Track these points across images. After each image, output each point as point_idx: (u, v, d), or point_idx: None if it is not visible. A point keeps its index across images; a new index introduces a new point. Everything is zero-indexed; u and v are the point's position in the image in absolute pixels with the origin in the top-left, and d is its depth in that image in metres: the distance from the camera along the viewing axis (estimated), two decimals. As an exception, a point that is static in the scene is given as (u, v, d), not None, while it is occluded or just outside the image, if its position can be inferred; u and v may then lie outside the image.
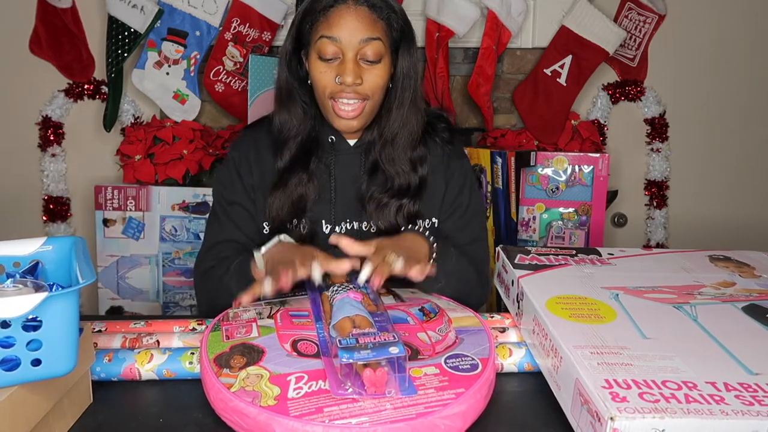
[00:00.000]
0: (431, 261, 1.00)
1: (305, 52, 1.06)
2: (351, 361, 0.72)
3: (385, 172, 1.09)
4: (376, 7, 1.02)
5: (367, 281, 0.90)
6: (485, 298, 1.13)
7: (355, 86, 1.01)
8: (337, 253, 1.09)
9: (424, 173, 1.11)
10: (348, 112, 1.03)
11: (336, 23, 1.00)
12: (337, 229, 1.11)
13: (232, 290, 1.00)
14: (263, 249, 0.98)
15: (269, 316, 0.87)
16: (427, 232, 1.05)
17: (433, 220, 1.13)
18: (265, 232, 1.11)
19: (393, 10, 1.04)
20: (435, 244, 1.03)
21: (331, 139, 1.11)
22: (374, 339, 0.76)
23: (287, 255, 0.93)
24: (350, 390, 0.71)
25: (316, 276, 0.83)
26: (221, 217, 1.12)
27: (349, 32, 1.00)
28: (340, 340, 0.76)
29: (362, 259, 0.91)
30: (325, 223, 1.11)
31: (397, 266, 0.89)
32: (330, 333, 0.81)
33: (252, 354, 0.79)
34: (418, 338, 0.83)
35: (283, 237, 1.00)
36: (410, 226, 1.10)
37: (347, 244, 0.93)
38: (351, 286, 0.91)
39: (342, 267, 0.88)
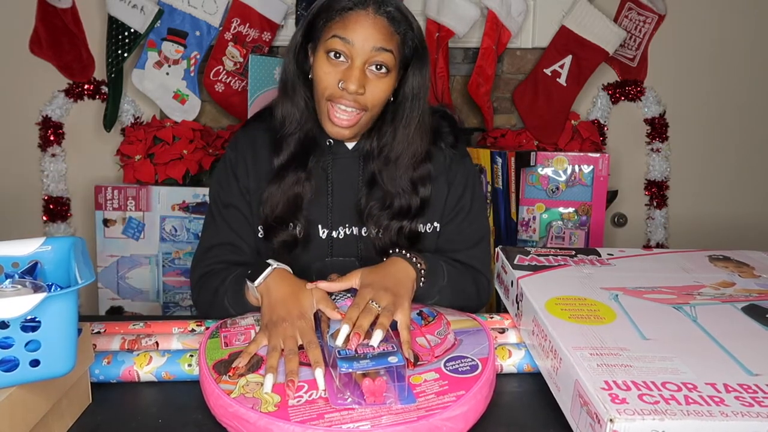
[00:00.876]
0: (420, 283, 0.98)
1: (312, 47, 1.04)
2: (350, 370, 0.72)
3: (384, 190, 1.08)
4: (395, 21, 1.00)
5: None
6: (486, 302, 1.13)
7: (356, 95, 0.99)
8: (335, 263, 1.09)
9: (427, 194, 1.09)
10: (342, 120, 1.01)
11: (352, 26, 0.98)
12: (334, 233, 1.10)
13: (228, 308, 1.00)
14: (258, 280, 0.92)
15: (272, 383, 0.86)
16: (414, 258, 0.99)
17: (435, 224, 1.12)
18: (260, 235, 1.10)
19: (411, 28, 1.02)
20: (422, 268, 0.99)
21: (329, 141, 1.10)
22: (373, 348, 0.76)
23: (283, 318, 0.86)
24: (349, 400, 0.71)
25: (320, 383, 0.75)
26: (217, 219, 1.11)
27: (364, 37, 0.97)
28: (339, 350, 0.76)
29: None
30: (322, 228, 1.09)
31: (378, 334, 0.80)
32: (329, 342, 0.80)
33: (252, 362, 0.79)
34: (417, 343, 0.83)
35: (276, 264, 0.94)
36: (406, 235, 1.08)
37: (328, 286, 0.91)
38: (349, 295, 0.90)
39: (335, 316, 0.86)
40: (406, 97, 1.05)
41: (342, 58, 0.99)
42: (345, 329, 0.80)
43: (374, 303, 0.85)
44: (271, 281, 0.92)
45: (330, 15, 1.00)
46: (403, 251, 1.00)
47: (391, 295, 0.88)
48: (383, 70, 1.00)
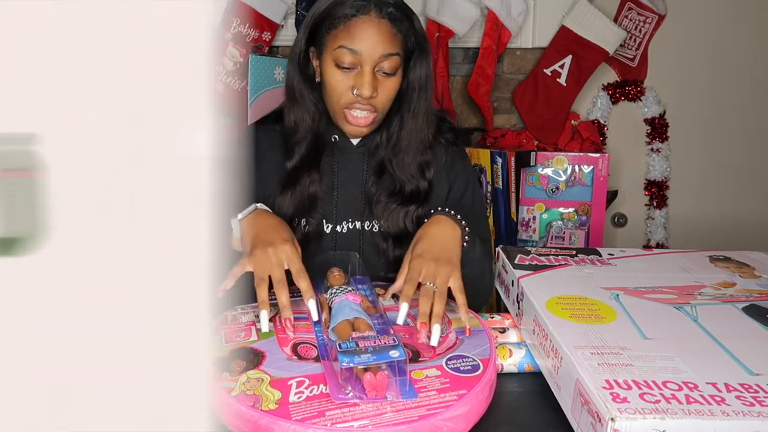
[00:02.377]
0: (465, 243, 1.00)
1: (316, 52, 1.06)
2: (351, 365, 0.72)
3: (394, 177, 1.10)
4: (397, 21, 1.01)
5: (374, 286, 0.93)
6: (490, 295, 1.13)
7: (370, 99, 1.01)
8: (336, 256, 1.09)
9: (431, 176, 1.12)
10: (359, 119, 1.04)
11: (358, 36, 0.99)
12: (338, 228, 1.11)
13: None
14: (240, 215, 0.96)
15: (268, 320, 0.87)
16: (458, 216, 1.03)
17: None
18: None
19: (411, 23, 1.04)
20: (466, 225, 1.01)
21: (335, 138, 1.11)
22: (374, 342, 0.76)
23: (269, 242, 0.89)
24: (351, 394, 0.71)
25: (313, 314, 0.83)
26: None
27: (371, 46, 0.99)
28: (339, 344, 0.76)
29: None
30: (326, 222, 1.11)
31: (437, 307, 0.86)
32: (329, 336, 0.80)
33: (252, 358, 0.79)
34: (418, 339, 0.83)
35: (260, 205, 0.99)
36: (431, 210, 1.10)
37: (386, 293, 0.95)
38: (349, 288, 0.90)
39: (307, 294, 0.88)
40: (413, 88, 1.07)
41: (351, 66, 1.01)
42: (405, 307, 0.85)
43: (430, 284, 0.89)
44: (254, 216, 0.96)
45: (333, 23, 1.01)
46: (446, 209, 1.03)
47: (442, 265, 0.91)
48: (391, 72, 1.02)
